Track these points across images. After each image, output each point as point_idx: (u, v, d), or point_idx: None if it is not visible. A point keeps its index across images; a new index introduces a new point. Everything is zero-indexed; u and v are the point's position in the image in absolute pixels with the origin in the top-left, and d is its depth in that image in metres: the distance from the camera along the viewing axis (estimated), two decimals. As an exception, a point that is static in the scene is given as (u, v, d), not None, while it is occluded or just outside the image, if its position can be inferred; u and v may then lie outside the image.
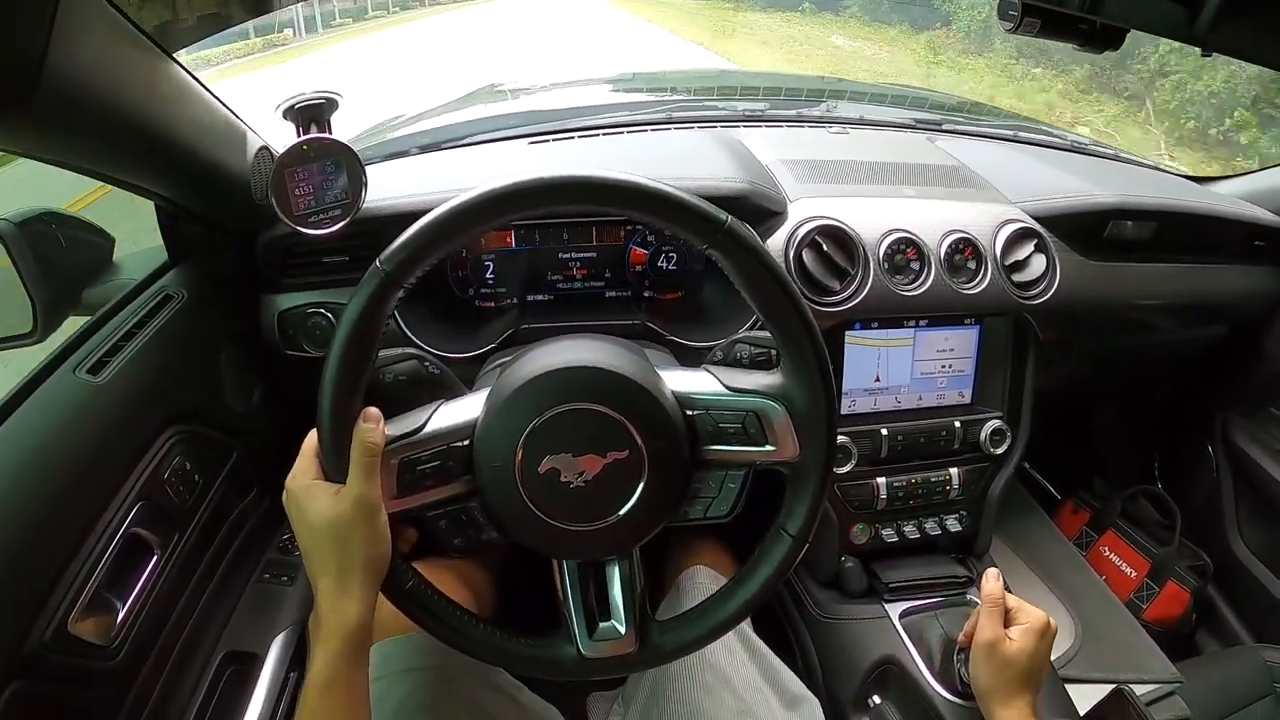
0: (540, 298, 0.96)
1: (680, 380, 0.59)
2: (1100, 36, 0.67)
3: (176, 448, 0.79)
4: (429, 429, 0.57)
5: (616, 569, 0.61)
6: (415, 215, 0.84)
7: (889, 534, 1.00)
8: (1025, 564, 1.17)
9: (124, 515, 0.70)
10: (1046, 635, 0.73)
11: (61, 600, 0.62)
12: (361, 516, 0.54)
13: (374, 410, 0.56)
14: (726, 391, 0.59)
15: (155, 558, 0.74)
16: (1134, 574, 1.32)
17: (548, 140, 1.05)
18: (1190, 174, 1.34)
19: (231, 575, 0.92)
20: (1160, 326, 1.16)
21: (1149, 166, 1.33)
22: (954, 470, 1.00)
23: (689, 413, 0.58)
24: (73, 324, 0.91)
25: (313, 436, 0.57)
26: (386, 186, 0.87)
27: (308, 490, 0.56)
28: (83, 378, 0.72)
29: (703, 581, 0.88)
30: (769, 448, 0.58)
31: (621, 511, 0.56)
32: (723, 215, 0.53)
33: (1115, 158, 1.31)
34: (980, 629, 0.74)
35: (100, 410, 0.71)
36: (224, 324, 0.91)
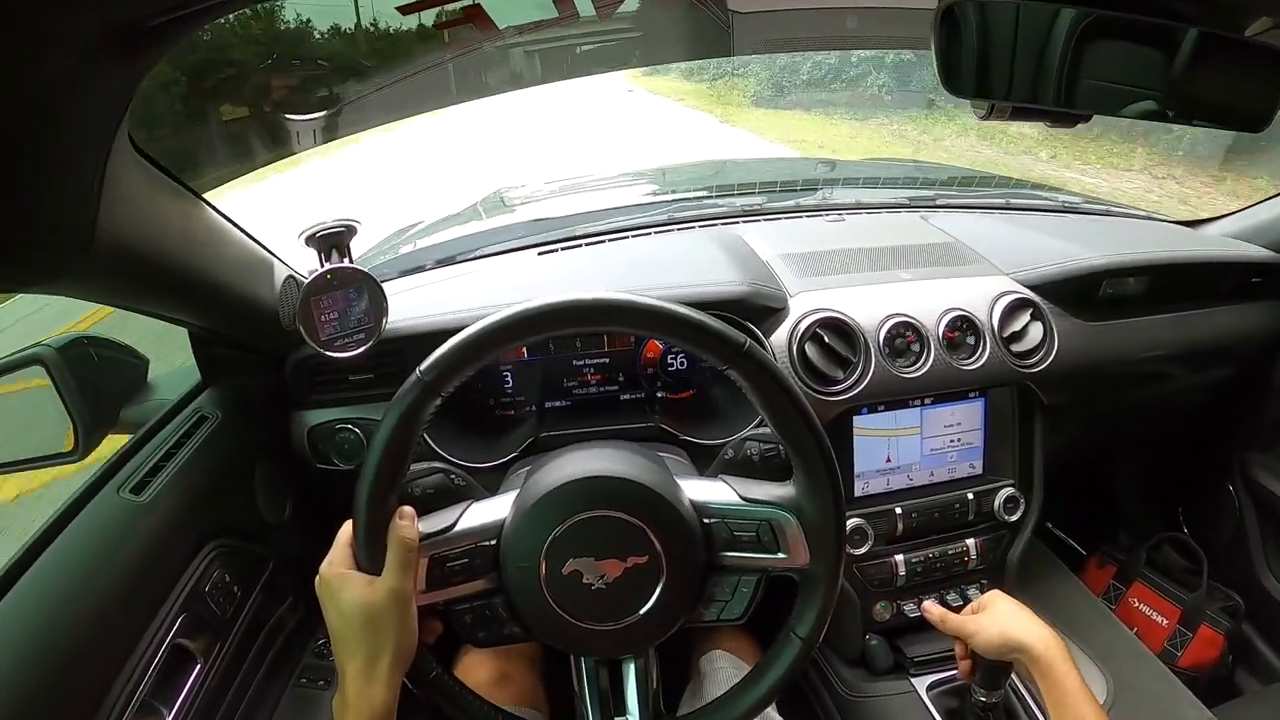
0: (558, 404, 1.00)
1: (698, 489, 0.62)
2: (1069, 116, 0.71)
3: (216, 561, 0.82)
4: (459, 528, 0.60)
5: (632, 666, 0.64)
6: (436, 335, 0.89)
7: (910, 609, 1.00)
8: (1053, 624, 1.16)
9: (168, 627, 0.73)
10: (998, 599, 0.79)
11: (111, 709, 0.65)
12: (395, 607, 0.56)
13: (409, 509, 0.59)
14: (742, 502, 0.61)
15: (198, 666, 0.77)
16: (1165, 622, 1.31)
17: (556, 249, 1.10)
18: (1181, 220, 1.36)
19: (270, 681, 0.94)
20: (1168, 376, 1.17)
21: (1141, 216, 1.35)
22: (970, 541, 1.01)
23: (706, 521, 0.61)
24: (111, 441, 0.96)
25: (347, 528, 0.60)
26: (406, 306, 0.92)
27: (342, 578, 0.58)
28: (126, 497, 0.76)
29: (722, 666, 0.90)
30: (781, 555, 0.60)
31: (640, 613, 0.59)
32: (741, 338, 0.57)
33: (1107, 213, 1.33)
34: (956, 645, 0.80)
35: (144, 528, 0.75)
36: (256, 441, 0.95)
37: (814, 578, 0.61)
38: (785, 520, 0.60)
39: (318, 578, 0.60)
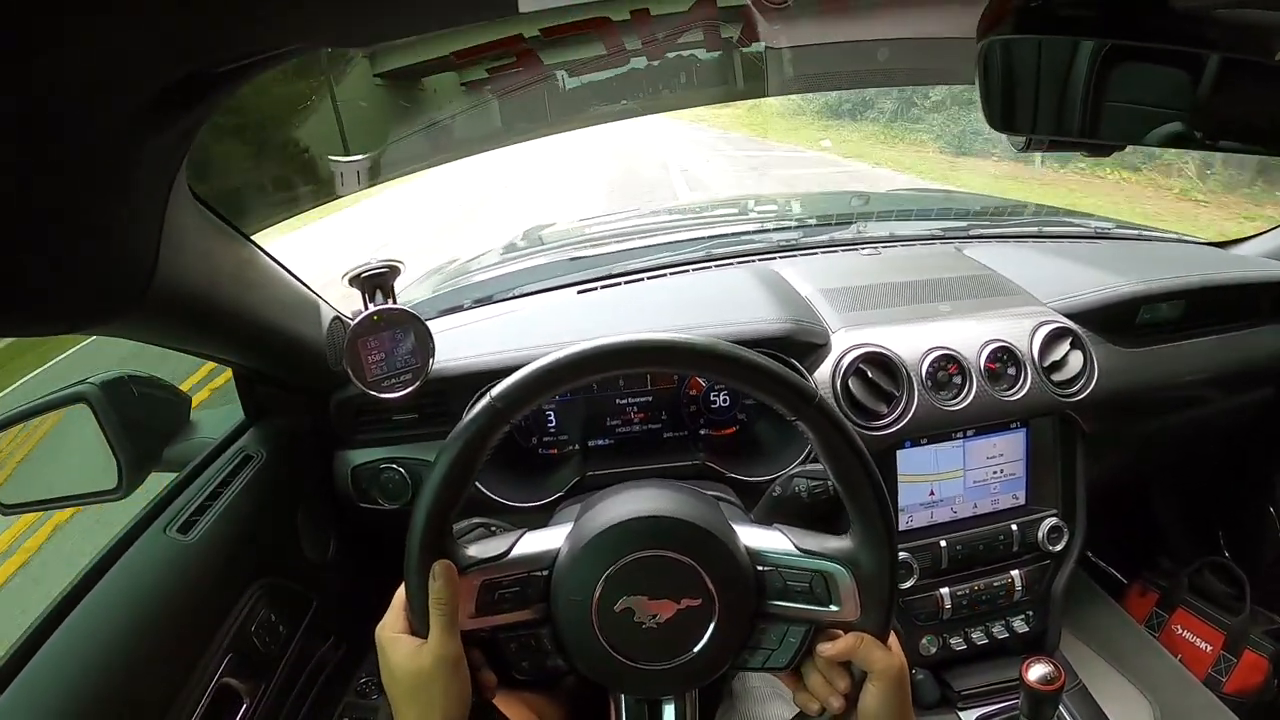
0: (601, 443, 1.00)
1: (754, 537, 0.62)
2: (1104, 147, 0.71)
3: (262, 601, 0.83)
4: (513, 554, 0.60)
5: (672, 708, 0.63)
6: (482, 376, 0.90)
7: (957, 642, 0.99)
8: (1097, 654, 1.15)
9: (215, 666, 0.73)
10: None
11: None
12: (441, 671, 0.56)
13: (446, 562, 0.58)
14: (797, 552, 0.61)
15: (244, 705, 0.76)
16: (1209, 648, 1.29)
17: (595, 288, 1.11)
18: (1213, 240, 1.36)
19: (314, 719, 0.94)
20: (1207, 399, 1.16)
21: (1173, 239, 1.35)
22: (1015, 573, 1.00)
23: (760, 568, 0.60)
24: (155, 479, 0.97)
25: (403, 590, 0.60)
26: (448, 346, 0.92)
27: (393, 642, 0.58)
28: (174, 537, 0.77)
29: (757, 685, 0.88)
30: (833, 608, 0.60)
31: (688, 655, 0.58)
32: (814, 390, 0.57)
33: (1140, 237, 1.33)
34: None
35: (191, 568, 0.75)
36: (300, 480, 0.96)
37: (864, 632, 0.61)
38: (840, 575, 0.59)
39: (376, 634, 0.60)
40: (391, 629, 0.59)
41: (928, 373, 0.95)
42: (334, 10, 0.44)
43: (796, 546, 0.61)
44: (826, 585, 0.59)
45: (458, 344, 0.94)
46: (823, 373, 0.93)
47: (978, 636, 1.00)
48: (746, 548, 0.60)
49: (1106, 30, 0.61)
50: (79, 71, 0.36)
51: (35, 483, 1.06)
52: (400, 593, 0.60)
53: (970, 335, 0.98)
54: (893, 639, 0.62)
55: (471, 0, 0.45)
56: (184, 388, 1.12)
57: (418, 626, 0.58)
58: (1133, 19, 0.61)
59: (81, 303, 0.53)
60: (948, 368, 0.96)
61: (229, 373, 0.96)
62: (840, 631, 0.60)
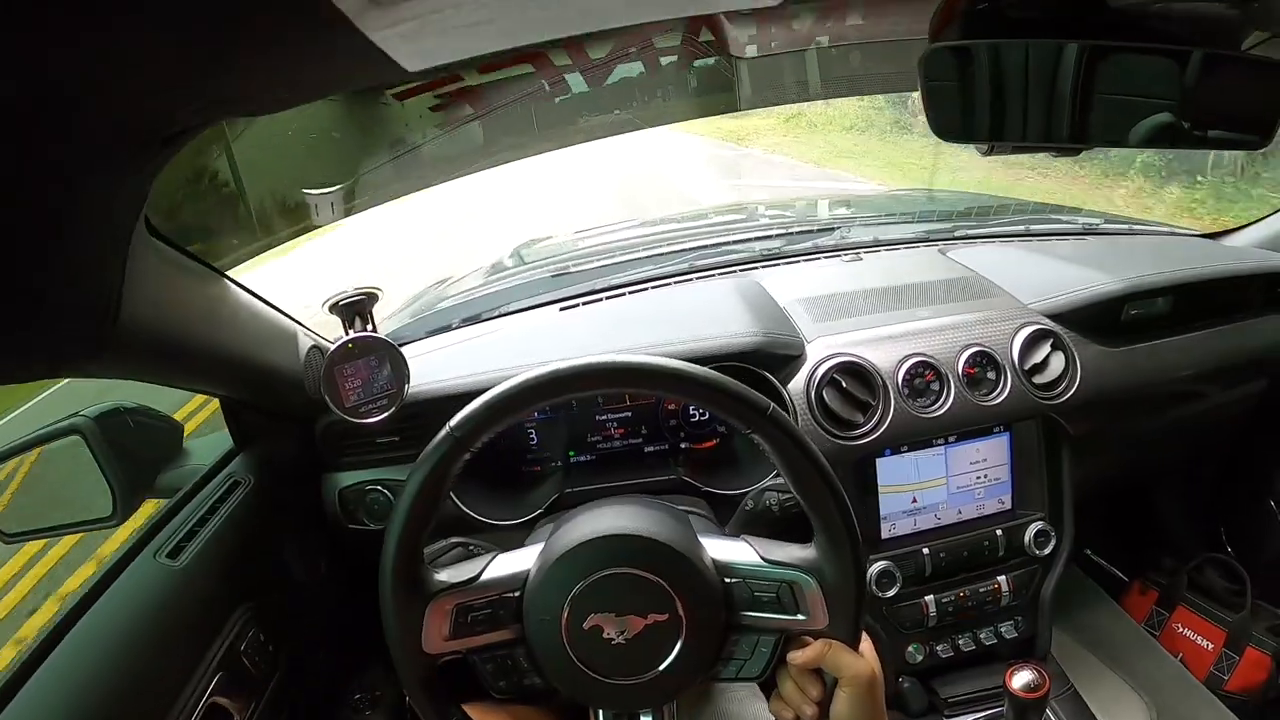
0: (582, 459, 1.01)
1: (720, 549, 0.63)
2: (1070, 148, 0.70)
3: (251, 622, 0.84)
4: (484, 578, 0.61)
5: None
6: (457, 398, 0.91)
7: (944, 649, 0.99)
8: (1091, 655, 1.14)
9: (205, 686, 0.74)
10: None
11: None
12: None
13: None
14: (763, 563, 0.62)
15: None
16: (1211, 646, 1.27)
17: (576, 304, 1.11)
18: (1203, 233, 1.34)
19: None
20: (1200, 395, 1.15)
21: (1164, 232, 1.33)
22: (1002, 578, 0.99)
23: (727, 580, 0.61)
24: (149, 505, 0.99)
25: None
26: (431, 368, 0.93)
27: None
28: (163, 562, 0.78)
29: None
30: (800, 617, 0.61)
31: (659, 669, 0.59)
32: (765, 402, 0.58)
33: (1129, 231, 1.31)
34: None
35: (181, 592, 0.77)
36: (288, 503, 0.98)
37: (833, 639, 0.61)
38: (805, 583, 0.60)
39: None
40: None
41: (904, 380, 0.94)
42: (264, 84, 0.45)
43: (762, 557, 0.62)
44: (793, 594, 0.60)
45: (441, 365, 0.95)
46: (796, 384, 0.93)
47: (965, 643, 0.99)
48: (713, 560, 0.61)
49: (1056, 31, 0.61)
50: (54, 118, 0.38)
51: (32, 512, 1.09)
52: None
53: (949, 341, 0.97)
54: (866, 644, 0.62)
55: (359, 72, 0.46)
56: (178, 416, 1.14)
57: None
58: (1080, 20, 0.61)
59: (49, 348, 0.54)
60: (925, 375, 0.95)
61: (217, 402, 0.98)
62: (810, 639, 0.61)
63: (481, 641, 0.61)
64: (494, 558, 0.63)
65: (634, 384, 0.60)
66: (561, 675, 0.60)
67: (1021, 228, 1.31)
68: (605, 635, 0.59)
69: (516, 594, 0.61)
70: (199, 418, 3.07)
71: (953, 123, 0.68)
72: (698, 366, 0.58)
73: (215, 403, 0.98)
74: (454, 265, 1.46)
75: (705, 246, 1.27)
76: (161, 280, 0.63)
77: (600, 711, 0.65)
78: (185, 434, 1.09)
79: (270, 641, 0.87)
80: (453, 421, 0.57)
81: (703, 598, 0.59)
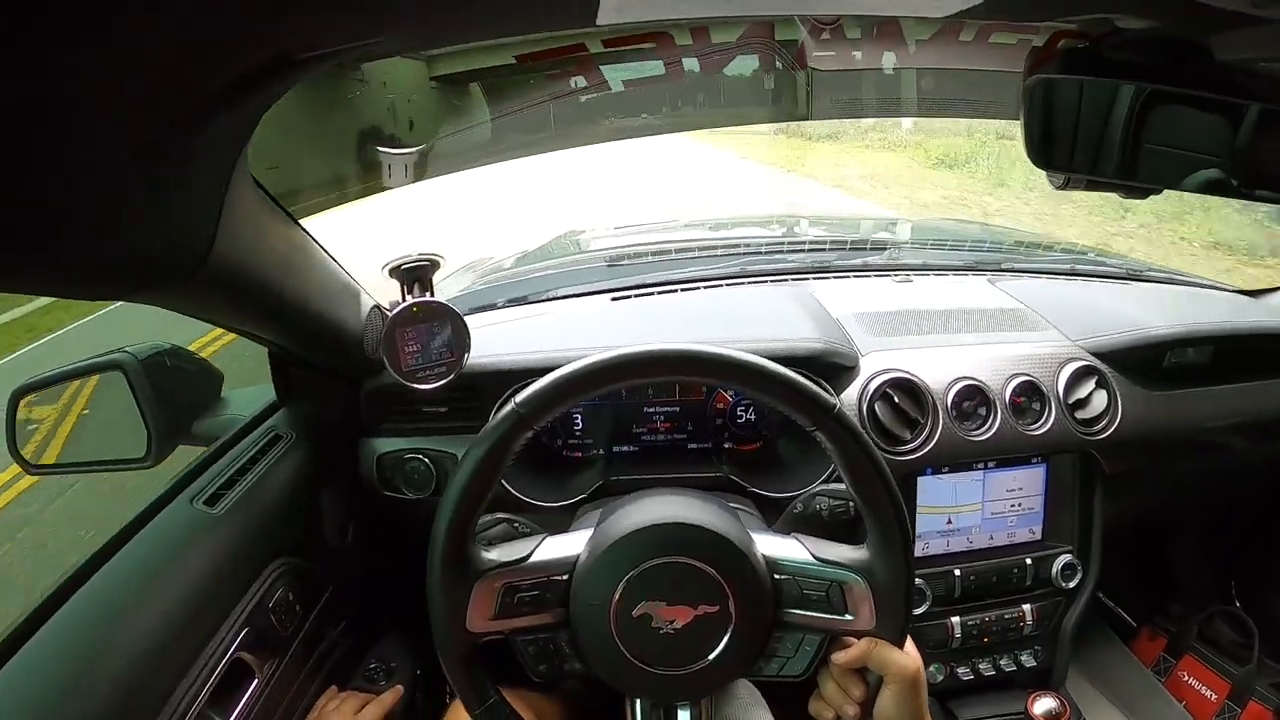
0: (625, 449, 1.01)
1: (771, 545, 0.63)
2: (1140, 189, 0.72)
3: (281, 579, 0.84)
4: (534, 559, 0.61)
5: (688, 714, 0.64)
6: (516, 374, 0.92)
7: (964, 672, 0.99)
8: (1103, 695, 1.15)
9: (232, 639, 0.74)
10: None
11: (171, 715, 0.65)
12: None
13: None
14: (814, 561, 0.62)
15: (255, 681, 0.77)
16: (1214, 697, 1.28)
17: (629, 296, 1.12)
18: (1244, 289, 1.35)
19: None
20: (1228, 447, 1.16)
21: (1206, 285, 1.35)
22: (1027, 607, 1.00)
23: (777, 576, 0.61)
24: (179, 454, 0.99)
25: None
26: (481, 342, 0.93)
27: None
28: (200, 509, 0.78)
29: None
30: (848, 617, 0.61)
31: (704, 661, 0.59)
32: (833, 401, 0.58)
33: (1171, 280, 1.33)
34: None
35: (216, 540, 0.76)
36: (326, 464, 0.97)
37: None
38: (855, 583, 0.60)
39: None
40: None
41: (953, 402, 0.95)
42: (419, 10, 0.45)
43: (814, 555, 0.62)
44: (842, 594, 0.60)
45: (492, 341, 0.95)
46: (849, 395, 0.94)
47: (985, 668, 1.00)
48: (764, 556, 0.61)
49: (1151, 76, 0.62)
50: (163, 51, 0.38)
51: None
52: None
53: (997, 368, 0.98)
54: (909, 643, 0.62)
55: (549, 8, 0.46)
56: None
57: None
58: (1177, 66, 0.62)
59: (140, 272, 0.54)
60: (973, 398, 0.96)
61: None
62: (854, 639, 0.61)
63: (526, 623, 0.61)
64: (543, 539, 0.63)
65: (704, 373, 0.60)
66: (605, 662, 0.60)
67: (1067, 266, 1.32)
68: (653, 624, 0.58)
69: (565, 577, 0.61)
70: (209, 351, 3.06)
71: (1036, 150, 0.69)
72: (767, 361, 0.58)
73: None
74: (490, 249, 1.45)
75: (756, 253, 1.27)
76: (251, 221, 0.64)
77: (637, 702, 0.65)
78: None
79: (298, 601, 0.86)
80: (519, 398, 0.57)
81: (753, 592, 0.59)
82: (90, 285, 0.53)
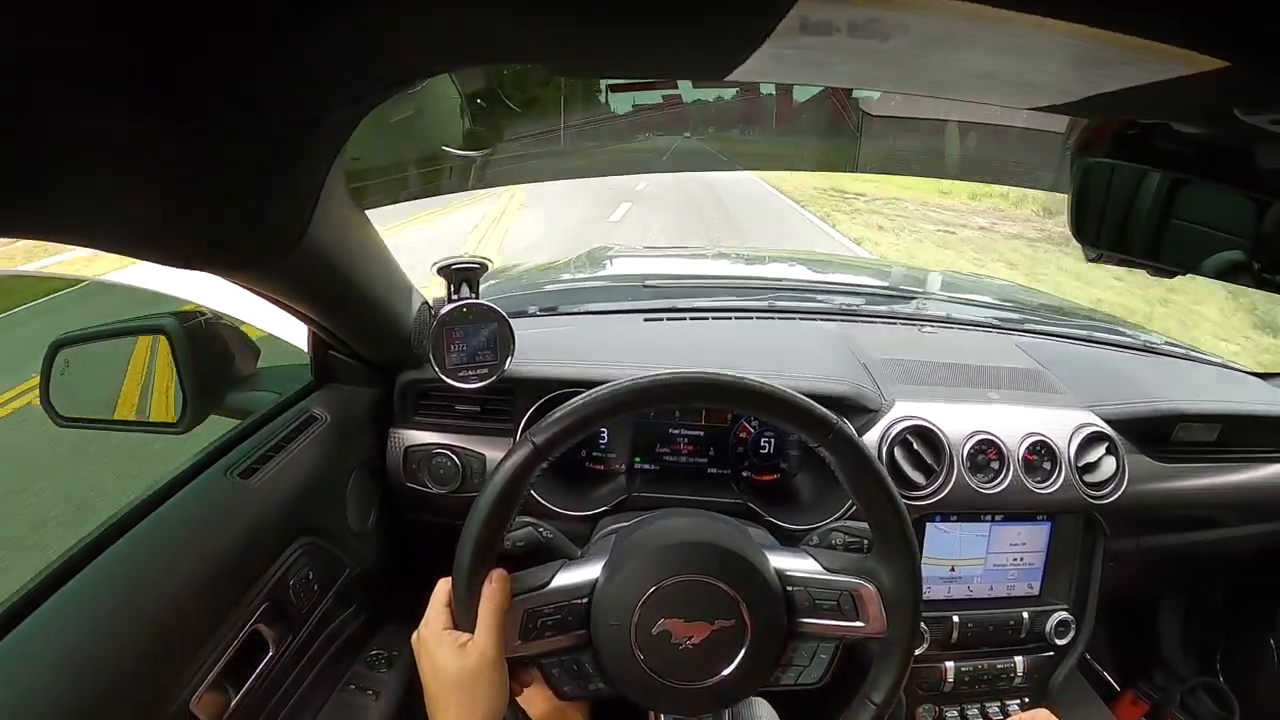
0: (647, 467, 1.04)
1: (782, 559, 0.66)
2: (1166, 270, 0.75)
3: (304, 557, 0.86)
4: (554, 585, 0.64)
5: None
6: (550, 383, 0.94)
7: (953, 716, 1.02)
8: (1082, 754, 1.17)
9: (252, 612, 0.75)
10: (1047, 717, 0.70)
11: (188, 681, 0.66)
12: (485, 670, 0.59)
13: (501, 571, 0.62)
14: (823, 571, 0.65)
15: (270, 654, 0.79)
16: (1191, 767, 1.30)
17: (662, 319, 1.15)
18: (1257, 371, 1.39)
19: (322, 681, 0.96)
20: (1225, 523, 1.19)
21: (1218, 364, 1.38)
22: (1019, 659, 1.03)
23: (789, 588, 0.64)
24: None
25: (443, 587, 0.63)
26: (517, 349, 0.96)
27: (438, 638, 0.61)
28: (234, 480, 0.80)
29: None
30: (860, 623, 0.63)
31: (723, 673, 0.61)
32: (833, 418, 0.61)
33: (1186, 357, 1.36)
34: None
35: (247, 512, 0.78)
36: (356, 449, 1.00)
37: (890, 644, 0.64)
38: (865, 588, 0.63)
39: (415, 636, 0.63)
40: (436, 624, 0.62)
41: (969, 453, 0.98)
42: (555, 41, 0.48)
43: (823, 566, 0.65)
44: (853, 600, 0.63)
45: (528, 349, 0.98)
46: (872, 436, 0.97)
47: (973, 714, 1.03)
48: (776, 569, 0.64)
49: (1196, 169, 0.65)
50: (322, 68, 0.41)
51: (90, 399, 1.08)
52: (439, 591, 0.63)
53: (1013, 425, 1.01)
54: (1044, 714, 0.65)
55: (683, 65, 0.49)
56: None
57: (462, 623, 0.61)
58: (1222, 163, 0.65)
59: (241, 252, 0.58)
60: (988, 451, 0.99)
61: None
62: (874, 649, 0.64)
63: (550, 646, 0.63)
64: (562, 566, 0.66)
65: (715, 399, 0.63)
66: (628, 679, 0.62)
67: (1085, 332, 1.36)
68: (673, 640, 0.61)
69: (585, 600, 0.63)
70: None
71: (1077, 226, 0.73)
72: (774, 385, 0.61)
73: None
74: (520, 255, 1.48)
75: (786, 290, 1.31)
76: (337, 212, 0.67)
77: (662, 717, 0.68)
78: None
79: (316, 581, 0.88)
80: (532, 431, 0.60)
81: (767, 604, 0.62)
82: (193, 259, 0.56)
